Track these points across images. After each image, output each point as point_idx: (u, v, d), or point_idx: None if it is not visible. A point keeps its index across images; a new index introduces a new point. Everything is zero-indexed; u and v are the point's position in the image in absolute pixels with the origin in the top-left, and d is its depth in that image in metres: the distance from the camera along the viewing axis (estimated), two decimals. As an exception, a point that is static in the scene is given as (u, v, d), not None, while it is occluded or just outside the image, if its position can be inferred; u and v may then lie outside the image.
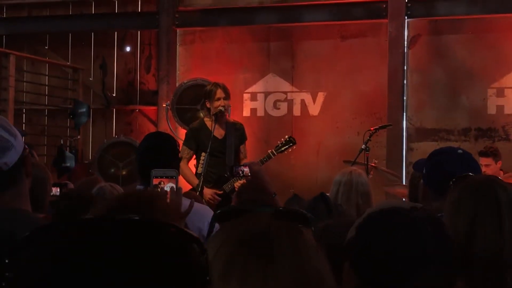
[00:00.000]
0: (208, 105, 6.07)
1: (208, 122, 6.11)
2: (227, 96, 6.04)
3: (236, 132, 6.16)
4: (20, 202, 2.00)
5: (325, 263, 1.01)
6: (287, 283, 0.95)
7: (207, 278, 0.81)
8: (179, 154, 3.45)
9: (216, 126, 6.02)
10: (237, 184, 5.77)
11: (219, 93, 6.00)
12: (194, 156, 6.21)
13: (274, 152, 6.06)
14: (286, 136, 6.18)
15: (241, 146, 6.21)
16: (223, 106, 5.99)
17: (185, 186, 6.37)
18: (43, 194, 3.24)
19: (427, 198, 2.84)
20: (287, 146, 6.11)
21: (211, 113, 6.03)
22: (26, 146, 2.05)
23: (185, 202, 3.24)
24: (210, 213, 3.33)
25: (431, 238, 1.49)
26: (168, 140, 3.49)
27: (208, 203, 5.67)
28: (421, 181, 2.92)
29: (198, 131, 6.12)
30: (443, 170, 2.78)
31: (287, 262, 0.96)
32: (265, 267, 0.95)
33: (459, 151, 2.87)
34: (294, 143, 6.14)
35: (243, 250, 0.98)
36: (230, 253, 0.98)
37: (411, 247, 1.48)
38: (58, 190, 2.96)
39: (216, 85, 6.09)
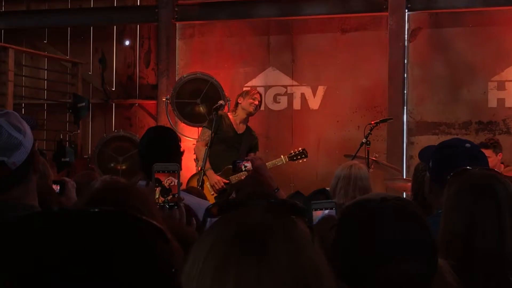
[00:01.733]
0: (240, 101, 6.51)
1: (232, 116, 6.53)
2: (261, 100, 6.62)
3: (252, 138, 6.58)
4: (28, 199, 1.98)
5: (321, 253, 1.00)
6: (283, 276, 0.94)
7: (173, 270, 0.78)
8: (181, 148, 3.44)
9: (238, 122, 6.50)
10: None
11: (258, 95, 6.54)
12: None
13: (286, 158, 6.33)
14: (300, 148, 6.44)
15: (251, 154, 6.50)
16: (255, 108, 6.48)
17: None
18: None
19: (434, 193, 2.80)
20: (299, 157, 6.37)
21: (239, 110, 6.49)
22: (34, 142, 2.03)
23: (191, 199, 3.22)
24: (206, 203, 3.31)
25: (397, 229, 1.46)
26: (170, 134, 3.48)
27: (212, 187, 6.17)
28: (427, 174, 2.87)
29: (221, 118, 6.45)
30: (450, 165, 2.73)
31: (282, 254, 0.95)
32: (260, 261, 0.94)
33: (467, 144, 2.81)
34: (306, 156, 6.42)
35: (237, 245, 0.96)
36: (223, 250, 0.97)
37: (374, 238, 1.46)
38: (59, 188, 2.93)
39: (256, 91, 6.70)
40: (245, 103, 6.46)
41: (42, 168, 3.21)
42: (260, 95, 6.64)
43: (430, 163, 2.85)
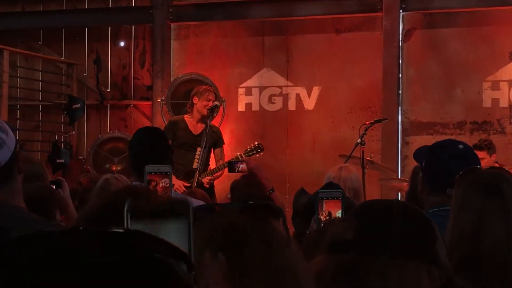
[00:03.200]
0: (195, 101, 6.45)
1: (188, 118, 6.52)
2: (216, 100, 6.51)
3: (213, 133, 6.50)
4: (13, 199, 1.98)
5: (298, 253, 1.00)
6: (258, 277, 0.93)
7: None
8: (171, 147, 3.46)
9: (195, 123, 6.48)
10: (205, 179, 6.24)
11: (213, 96, 6.45)
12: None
13: (242, 155, 6.22)
14: (256, 143, 6.39)
15: (217, 150, 6.56)
16: (212, 106, 6.38)
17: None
18: None
19: (426, 192, 2.83)
20: (255, 152, 6.29)
21: (194, 111, 6.44)
22: (17, 142, 2.03)
23: (193, 202, 3.22)
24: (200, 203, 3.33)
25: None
26: (159, 134, 3.50)
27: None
28: (420, 174, 2.90)
29: (176, 124, 6.51)
30: (442, 165, 2.75)
31: (257, 255, 0.94)
32: (235, 264, 0.93)
33: (460, 145, 2.84)
34: (262, 150, 6.35)
35: (210, 249, 0.96)
36: (197, 255, 0.95)
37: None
38: (54, 188, 2.93)
39: (209, 88, 6.56)
40: (199, 105, 6.41)
41: (39, 170, 3.21)
42: (215, 94, 6.55)
43: (423, 163, 2.87)
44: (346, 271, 1.36)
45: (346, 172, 4.08)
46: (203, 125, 6.45)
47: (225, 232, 0.98)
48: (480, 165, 2.87)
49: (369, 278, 1.37)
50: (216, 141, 6.55)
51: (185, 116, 6.53)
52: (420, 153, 3.00)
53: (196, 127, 6.48)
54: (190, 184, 6.15)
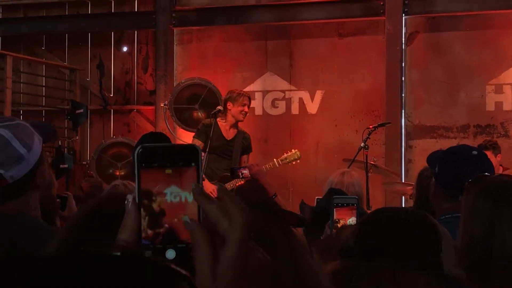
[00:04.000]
0: (229, 107, 6.40)
1: (221, 122, 6.44)
2: (249, 106, 6.48)
3: (244, 140, 6.49)
4: (27, 210, 1.96)
5: (319, 261, 0.99)
6: (286, 280, 0.93)
7: None
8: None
9: (228, 128, 6.43)
10: (240, 184, 5.99)
11: (247, 100, 6.41)
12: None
13: (279, 162, 6.18)
14: (293, 150, 6.27)
15: (245, 156, 6.52)
16: (246, 112, 6.40)
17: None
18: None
19: (438, 198, 2.81)
20: (292, 159, 6.21)
21: (228, 116, 6.41)
22: (44, 155, 1.99)
23: None
24: None
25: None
26: (163, 140, 3.48)
27: None
28: (433, 179, 2.88)
29: (209, 127, 6.35)
30: (456, 171, 2.73)
31: (283, 262, 0.94)
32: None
33: (474, 152, 2.82)
34: (299, 158, 6.26)
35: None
36: None
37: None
38: (59, 202, 2.91)
39: (244, 94, 6.51)
40: (234, 110, 6.38)
41: (48, 178, 3.19)
42: (249, 98, 6.52)
43: (436, 168, 2.85)
44: (343, 276, 1.36)
45: (349, 177, 4.07)
46: (235, 130, 6.47)
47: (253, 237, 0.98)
48: (493, 171, 2.85)
49: (363, 284, 1.37)
50: (246, 147, 6.54)
51: (218, 120, 6.42)
52: (433, 158, 2.99)
53: (228, 133, 6.45)
54: None
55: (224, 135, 6.43)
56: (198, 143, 6.41)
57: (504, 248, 2.02)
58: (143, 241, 0.87)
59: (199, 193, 0.85)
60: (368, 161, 6.17)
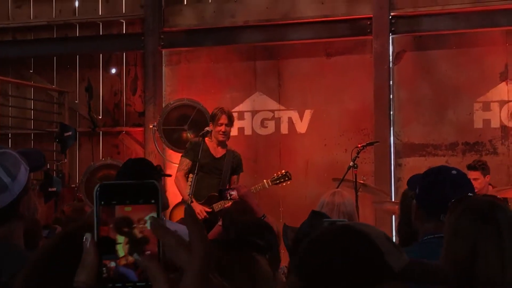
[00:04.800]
0: (211, 127, 6.36)
1: (209, 141, 6.40)
2: (230, 123, 6.38)
3: (234, 159, 6.44)
4: (10, 239, 1.94)
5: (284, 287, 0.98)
6: None
7: None
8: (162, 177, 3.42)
9: (216, 146, 6.38)
10: (228, 205, 5.89)
11: (223, 118, 6.32)
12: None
13: (269, 182, 6.15)
14: (283, 171, 6.27)
15: (235, 176, 6.45)
16: (224, 132, 6.31)
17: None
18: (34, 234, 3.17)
19: (420, 219, 2.81)
20: (282, 180, 6.19)
21: (212, 136, 6.36)
22: (29, 185, 1.98)
23: (176, 226, 3.20)
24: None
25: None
26: (147, 166, 3.46)
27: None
28: (414, 201, 2.88)
29: (198, 145, 6.33)
30: (436, 191, 2.74)
31: None
32: None
33: (453, 171, 2.83)
34: (290, 179, 6.25)
35: None
36: None
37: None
38: (47, 232, 2.90)
39: (222, 110, 6.39)
40: (214, 131, 6.36)
41: (33, 205, 3.17)
42: (228, 116, 6.36)
43: (417, 189, 2.86)
44: None
45: (339, 198, 4.09)
46: (224, 149, 6.41)
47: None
48: (474, 190, 2.86)
49: None
50: (236, 166, 6.47)
51: (206, 139, 6.40)
52: (413, 181, 2.99)
53: (216, 151, 6.40)
54: (211, 210, 6.04)
55: (213, 153, 6.38)
56: (186, 162, 6.40)
57: (488, 270, 2.02)
58: (122, 268, 0.87)
59: (157, 226, 0.85)
60: (358, 180, 6.17)
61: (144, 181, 0.90)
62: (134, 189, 0.89)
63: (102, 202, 0.88)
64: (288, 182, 6.27)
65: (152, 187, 0.89)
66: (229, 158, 6.38)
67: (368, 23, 7.62)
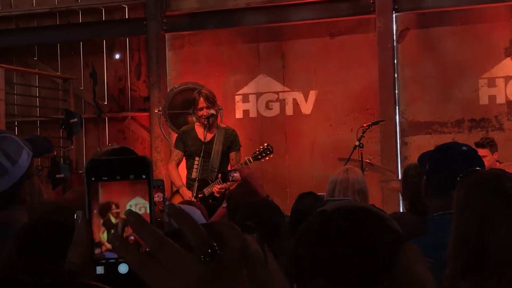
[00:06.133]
0: (195, 112, 6.26)
1: (198, 126, 6.29)
2: (210, 105, 6.16)
3: (227, 137, 6.26)
4: (10, 224, 1.95)
5: (276, 270, 0.95)
6: None
7: None
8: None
9: (204, 131, 6.18)
10: (216, 188, 5.95)
11: (201, 102, 6.18)
12: (184, 160, 6.43)
13: (251, 159, 5.92)
14: (265, 144, 6.01)
15: (233, 153, 6.28)
16: (207, 115, 6.10)
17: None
18: None
19: (430, 196, 2.79)
20: (264, 155, 5.94)
21: (196, 120, 6.28)
22: (33, 170, 1.99)
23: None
24: (197, 211, 3.31)
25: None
26: (124, 153, 3.44)
27: None
28: (424, 177, 2.87)
29: (186, 133, 6.30)
30: (446, 168, 2.71)
31: (230, 274, 0.86)
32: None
33: (464, 147, 2.81)
34: (271, 152, 5.97)
35: None
36: None
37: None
38: None
39: (199, 94, 6.23)
40: (197, 117, 6.23)
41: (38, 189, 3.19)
42: (205, 97, 6.12)
43: (427, 166, 2.85)
44: None
45: (353, 174, 3.99)
46: (214, 131, 6.23)
47: None
48: (484, 166, 2.84)
49: None
50: (230, 145, 6.27)
51: (196, 124, 6.32)
52: (424, 158, 2.98)
53: (204, 135, 6.21)
54: (201, 195, 5.96)
55: (200, 138, 6.22)
56: (176, 152, 6.37)
57: (500, 241, 2.01)
58: (108, 254, 0.86)
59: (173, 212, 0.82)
60: (364, 159, 6.18)
61: (135, 156, 0.90)
62: (125, 165, 0.87)
63: (93, 178, 0.86)
64: (271, 156, 5.99)
65: (143, 162, 0.87)
66: (220, 139, 6.20)
67: (371, 1, 7.58)
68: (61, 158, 8.26)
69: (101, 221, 0.86)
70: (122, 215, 0.85)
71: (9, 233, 1.92)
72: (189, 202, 4.55)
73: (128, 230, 0.84)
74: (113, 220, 0.86)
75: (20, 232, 1.09)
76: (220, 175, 5.75)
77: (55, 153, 8.24)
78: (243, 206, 3.18)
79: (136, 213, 0.82)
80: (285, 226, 3.09)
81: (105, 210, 0.86)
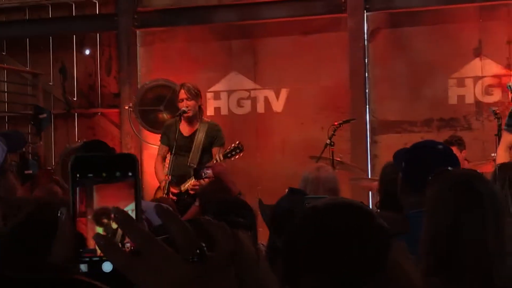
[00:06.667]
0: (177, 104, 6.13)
1: (182, 121, 6.11)
2: (191, 97, 6.04)
3: (209, 132, 6.07)
4: None
5: (268, 270, 0.95)
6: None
7: None
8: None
9: (186, 124, 6.07)
10: (189, 185, 5.81)
11: (181, 94, 6.05)
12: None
13: (221, 157, 5.83)
14: (237, 142, 5.91)
15: (215, 149, 6.04)
16: (187, 107, 5.98)
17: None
18: None
19: (405, 193, 2.82)
20: (234, 153, 5.84)
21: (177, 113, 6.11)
22: (6, 166, 1.96)
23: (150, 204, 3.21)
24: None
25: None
26: (102, 147, 3.42)
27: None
28: (399, 175, 2.89)
29: (169, 128, 6.16)
30: (423, 165, 2.74)
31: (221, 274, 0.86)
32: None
33: (439, 146, 2.85)
34: (242, 150, 5.86)
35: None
36: None
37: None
38: None
39: (181, 86, 6.14)
40: (178, 108, 6.11)
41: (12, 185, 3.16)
42: (186, 89, 6.00)
43: (403, 164, 2.87)
44: None
45: (324, 172, 3.98)
46: (196, 126, 6.06)
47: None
48: (459, 165, 2.88)
49: None
50: (212, 140, 6.07)
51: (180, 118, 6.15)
52: (399, 155, 3.00)
53: (186, 129, 6.07)
54: (178, 191, 5.85)
55: (183, 132, 6.09)
56: (161, 147, 6.20)
57: (471, 238, 2.04)
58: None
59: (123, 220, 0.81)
60: (334, 158, 6.21)
61: (121, 153, 0.88)
62: (111, 162, 0.86)
63: (78, 175, 0.85)
64: (241, 154, 5.89)
65: (129, 159, 0.86)
66: (202, 133, 6.06)
67: (343, 0, 7.62)
68: (30, 154, 8.16)
69: (95, 226, 0.84)
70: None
71: None
72: (160, 199, 4.53)
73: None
74: (114, 226, 0.84)
75: (10, 229, 1.07)
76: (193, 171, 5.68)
77: (23, 149, 8.14)
78: (214, 203, 3.18)
79: (122, 210, 0.81)
80: (255, 225, 3.09)
81: (101, 216, 0.85)
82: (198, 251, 0.79)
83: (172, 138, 6.05)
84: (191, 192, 5.79)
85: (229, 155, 5.84)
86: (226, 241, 0.81)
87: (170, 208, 0.85)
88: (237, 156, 5.87)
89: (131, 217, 0.82)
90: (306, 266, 1.29)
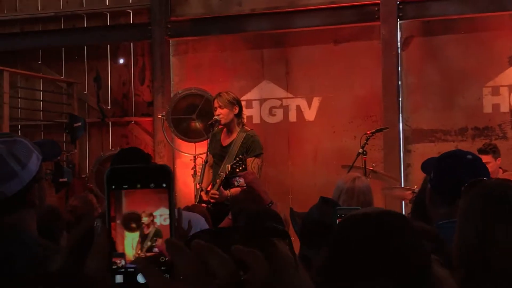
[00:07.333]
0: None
1: (223, 130, 6.10)
2: (223, 105, 6.02)
3: (244, 142, 5.98)
4: (21, 227, 1.96)
5: (306, 277, 0.95)
6: None
7: None
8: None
9: (225, 133, 6.07)
10: (210, 193, 5.73)
11: (215, 102, 6.09)
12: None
13: (228, 167, 5.71)
14: (240, 155, 5.80)
15: (249, 159, 5.88)
16: (219, 115, 6.00)
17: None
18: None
19: (434, 204, 2.79)
20: (238, 165, 5.68)
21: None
22: (42, 174, 1.99)
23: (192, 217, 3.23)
24: (201, 219, 3.31)
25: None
26: (138, 154, 3.44)
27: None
28: (428, 185, 2.86)
29: (214, 136, 6.15)
30: (451, 176, 2.71)
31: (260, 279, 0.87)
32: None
33: (468, 156, 2.81)
34: (242, 164, 5.70)
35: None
36: None
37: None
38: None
39: (217, 95, 6.12)
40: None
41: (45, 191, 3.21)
42: (219, 97, 5.97)
43: (432, 174, 2.84)
44: None
45: (360, 185, 3.88)
46: (234, 135, 6.00)
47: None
48: (488, 175, 2.84)
49: None
50: (247, 149, 5.94)
51: (221, 127, 6.10)
52: (428, 165, 2.97)
53: (225, 138, 6.04)
54: (207, 199, 5.77)
55: (222, 142, 6.09)
56: (207, 155, 6.13)
57: (503, 250, 2.01)
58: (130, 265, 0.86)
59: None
60: (367, 167, 6.17)
61: (156, 164, 0.89)
62: (145, 173, 0.87)
63: (113, 187, 0.86)
64: (243, 166, 5.72)
65: (163, 171, 0.87)
66: (238, 143, 5.99)
67: (376, 9, 7.59)
68: (64, 162, 8.27)
69: (124, 231, 0.85)
70: (149, 224, 0.85)
71: (21, 237, 1.92)
72: (190, 208, 4.53)
73: (159, 243, 0.85)
74: (144, 231, 0.85)
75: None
76: (217, 180, 5.68)
77: (58, 158, 8.25)
78: (244, 213, 3.18)
79: (175, 241, 0.82)
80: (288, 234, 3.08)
81: (130, 220, 0.86)
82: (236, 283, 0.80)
83: (213, 147, 6.08)
84: (212, 200, 5.70)
85: (233, 166, 5.71)
86: (260, 268, 0.81)
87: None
88: (240, 168, 5.70)
89: (181, 245, 0.82)
90: (356, 274, 1.29)
